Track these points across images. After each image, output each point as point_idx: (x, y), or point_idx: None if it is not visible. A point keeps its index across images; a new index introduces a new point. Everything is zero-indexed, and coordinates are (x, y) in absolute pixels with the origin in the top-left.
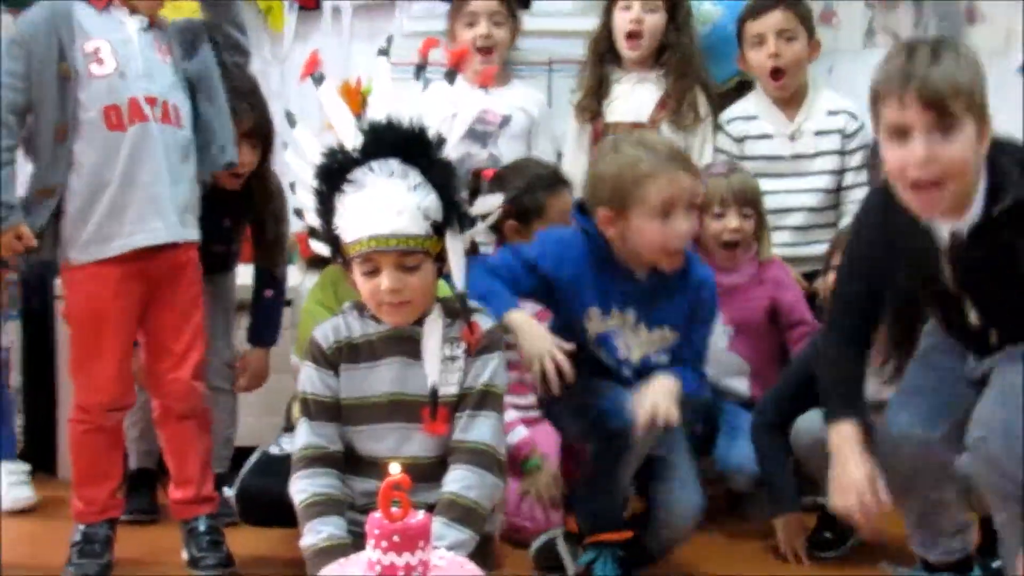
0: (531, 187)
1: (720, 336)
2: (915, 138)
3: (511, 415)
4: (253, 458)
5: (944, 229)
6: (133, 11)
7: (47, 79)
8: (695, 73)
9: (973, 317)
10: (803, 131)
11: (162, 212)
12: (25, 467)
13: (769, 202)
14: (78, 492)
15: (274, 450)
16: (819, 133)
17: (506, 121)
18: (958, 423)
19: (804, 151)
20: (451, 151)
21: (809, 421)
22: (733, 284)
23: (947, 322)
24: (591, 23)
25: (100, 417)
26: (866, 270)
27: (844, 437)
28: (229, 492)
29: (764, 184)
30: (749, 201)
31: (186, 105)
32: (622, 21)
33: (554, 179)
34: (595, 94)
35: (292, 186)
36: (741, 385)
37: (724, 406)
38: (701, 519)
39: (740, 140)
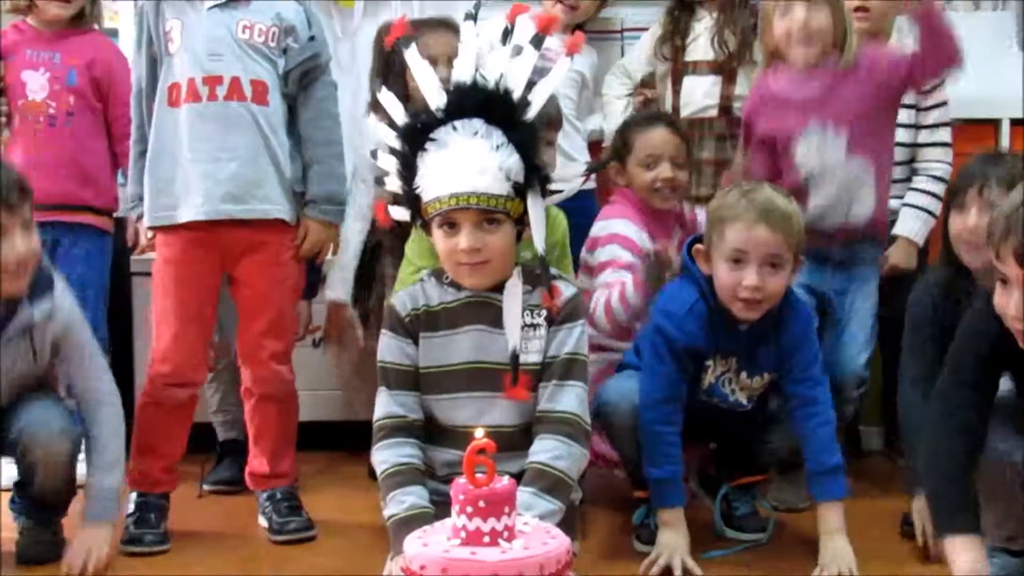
0: (625, 127)
1: (834, 144)
2: (1014, 290)
3: None
4: None
5: None
6: None
7: (146, 64)
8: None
9: None
10: None
11: (204, 189)
12: None
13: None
14: (134, 460)
15: None
16: None
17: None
18: None
19: None
20: (536, 111)
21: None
22: (817, 88)
23: None
24: None
25: (161, 391)
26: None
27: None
28: None
29: None
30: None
31: (273, 80)
32: None
33: (646, 118)
34: (674, 35)
35: (373, 153)
36: (865, 207)
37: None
38: None
39: None
